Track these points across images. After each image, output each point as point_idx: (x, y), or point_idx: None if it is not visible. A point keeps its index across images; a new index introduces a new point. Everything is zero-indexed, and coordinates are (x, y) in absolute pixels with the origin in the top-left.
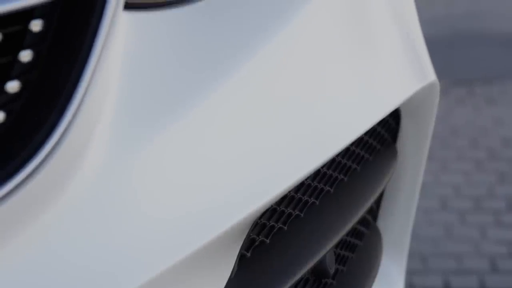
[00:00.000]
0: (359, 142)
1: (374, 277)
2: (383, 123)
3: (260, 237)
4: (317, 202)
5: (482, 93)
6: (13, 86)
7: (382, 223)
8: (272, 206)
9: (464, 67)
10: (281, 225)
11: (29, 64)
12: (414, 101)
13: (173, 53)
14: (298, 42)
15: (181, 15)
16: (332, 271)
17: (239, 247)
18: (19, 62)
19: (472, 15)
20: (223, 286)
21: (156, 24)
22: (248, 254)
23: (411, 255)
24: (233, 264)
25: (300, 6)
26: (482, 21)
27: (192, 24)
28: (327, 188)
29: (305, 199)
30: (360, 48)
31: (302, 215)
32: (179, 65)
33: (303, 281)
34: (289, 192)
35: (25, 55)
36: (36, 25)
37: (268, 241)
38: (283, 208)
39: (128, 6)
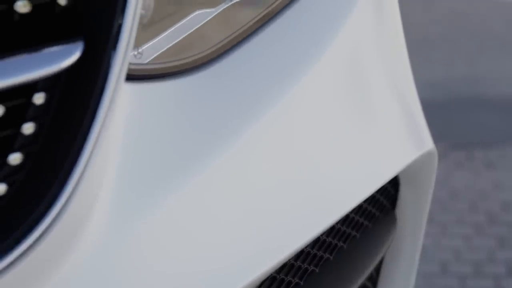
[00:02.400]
0: (359, 209)
1: None
2: (382, 190)
3: None
4: (317, 270)
5: (481, 157)
6: (15, 158)
7: None
8: (271, 274)
9: (463, 130)
10: None
11: (31, 136)
12: (413, 168)
13: (175, 122)
14: (299, 110)
15: (183, 84)
16: None
17: None
18: (21, 134)
19: (471, 78)
20: None
21: (157, 94)
22: None
23: None
24: None
25: (300, 75)
26: (480, 85)
27: (193, 93)
28: (326, 255)
29: (305, 266)
30: (359, 118)
31: (302, 283)
32: (180, 133)
33: None
34: (289, 259)
35: (28, 128)
36: (39, 98)
37: None
38: (283, 276)
39: (130, 77)
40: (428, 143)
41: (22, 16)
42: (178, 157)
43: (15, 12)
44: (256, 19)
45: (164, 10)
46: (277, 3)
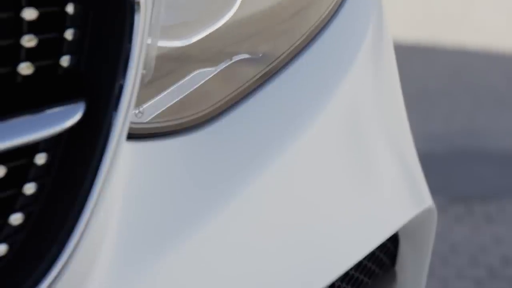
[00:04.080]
0: (358, 266)
1: None
2: (382, 247)
3: None
4: None
5: (480, 211)
6: (16, 218)
7: None
8: None
9: (461, 184)
10: None
11: (32, 196)
12: (412, 225)
13: (176, 180)
14: (299, 167)
15: (183, 143)
16: None
17: None
18: (22, 194)
19: (470, 133)
20: None
21: (158, 152)
22: None
23: None
24: None
25: (300, 132)
26: (479, 139)
27: (194, 151)
28: None
29: None
30: (359, 175)
31: None
32: (181, 192)
33: None
34: None
35: (29, 188)
36: (40, 159)
37: None
38: None
39: (130, 137)
40: (427, 200)
41: (25, 77)
42: (179, 215)
43: (18, 74)
44: (256, 77)
45: (164, 68)
46: (277, 61)
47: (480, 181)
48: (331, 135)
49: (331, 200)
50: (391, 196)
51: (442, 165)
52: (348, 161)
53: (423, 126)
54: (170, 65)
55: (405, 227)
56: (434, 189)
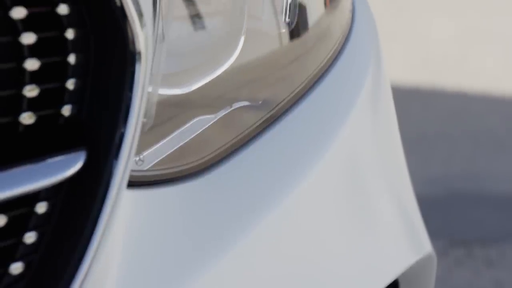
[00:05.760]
0: None
1: None
2: None
3: None
4: None
5: (480, 255)
6: (16, 267)
7: None
8: None
9: (461, 228)
10: None
11: (33, 245)
12: (412, 272)
13: (176, 228)
14: (299, 215)
15: (183, 190)
16: None
17: None
18: (23, 243)
19: (469, 176)
20: None
21: (158, 200)
22: None
23: None
24: None
25: (299, 180)
26: (479, 182)
27: (194, 199)
28: None
29: None
30: (358, 222)
31: None
32: (181, 240)
33: None
34: None
35: (29, 237)
36: (41, 207)
37: None
38: None
39: (131, 184)
40: (426, 246)
41: (26, 126)
42: (179, 264)
43: (20, 123)
44: (256, 124)
45: (164, 114)
46: (277, 108)
47: (480, 225)
48: (330, 181)
49: (330, 248)
50: (390, 243)
51: (441, 209)
52: (348, 208)
53: (422, 169)
54: (170, 112)
55: (404, 274)
56: (434, 233)
